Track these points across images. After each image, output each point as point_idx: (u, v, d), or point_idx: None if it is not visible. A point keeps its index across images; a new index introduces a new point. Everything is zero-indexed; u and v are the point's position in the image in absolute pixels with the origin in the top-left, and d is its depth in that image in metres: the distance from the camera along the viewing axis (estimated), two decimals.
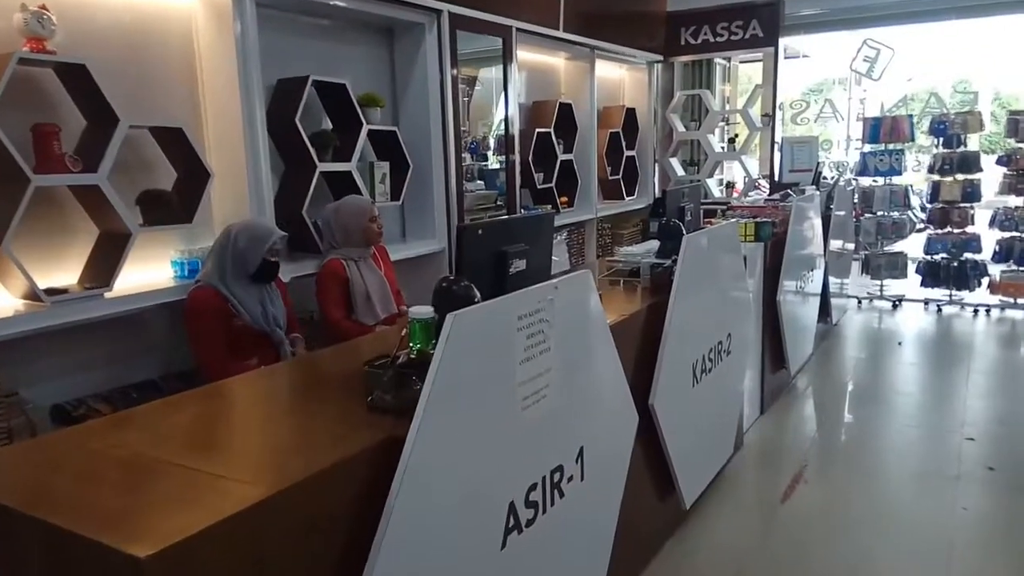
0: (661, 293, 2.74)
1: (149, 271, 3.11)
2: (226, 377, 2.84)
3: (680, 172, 7.67)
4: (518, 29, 4.90)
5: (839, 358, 5.36)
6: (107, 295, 2.74)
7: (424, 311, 1.63)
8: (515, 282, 1.90)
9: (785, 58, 8.05)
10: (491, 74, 5.88)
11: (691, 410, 2.86)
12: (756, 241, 3.98)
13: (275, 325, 2.98)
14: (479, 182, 6.64)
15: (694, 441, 2.92)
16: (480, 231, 1.81)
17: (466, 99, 6.86)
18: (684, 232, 2.88)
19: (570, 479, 1.93)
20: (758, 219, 4.20)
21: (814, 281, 4.93)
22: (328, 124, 3.84)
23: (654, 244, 3.33)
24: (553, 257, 5.86)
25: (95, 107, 2.71)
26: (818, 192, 5.25)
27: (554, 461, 1.85)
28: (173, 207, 3.00)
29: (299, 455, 1.43)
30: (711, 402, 3.07)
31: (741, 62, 9.35)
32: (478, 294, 1.70)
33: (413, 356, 1.59)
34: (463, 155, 6.91)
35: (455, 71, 4.33)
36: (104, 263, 2.79)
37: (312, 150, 3.49)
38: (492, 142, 6.23)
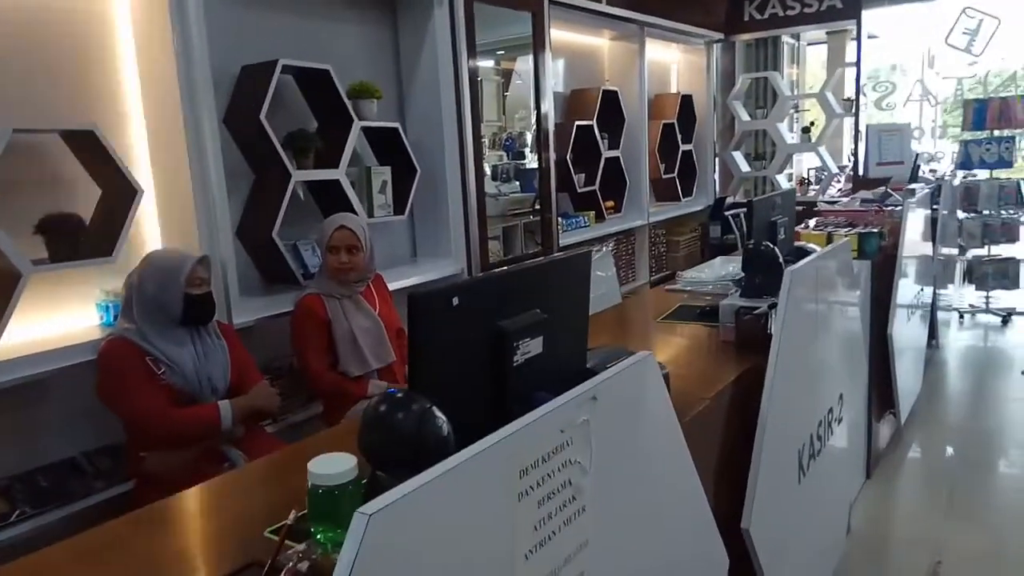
0: (752, 352, 1.89)
1: (72, 317, 2.39)
2: (172, 427, 2.07)
3: (745, 167, 6.72)
4: (552, 2, 4.06)
5: (952, 394, 4.38)
6: None
7: (333, 467, 0.83)
8: (525, 378, 1.09)
9: (852, 39, 7.00)
10: (529, 64, 5.11)
11: (796, 512, 2.00)
12: (859, 258, 3.08)
13: (208, 387, 2.17)
14: (515, 183, 5.86)
15: (800, 553, 2.06)
16: (455, 299, 1.00)
17: (506, 94, 6.10)
18: (781, 262, 2.02)
19: None
20: (859, 228, 3.29)
21: (925, 301, 3.98)
22: (315, 123, 3.07)
23: (723, 264, 2.48)
24: (597, 272, 4.94)
25: None
26: (926, 190, 4.29)
27: None
28: (87, 236, 2.27)
29: None
30: (820, 494, 2.20)
31: (808, 44, 8.35)
32: (447, 428, 0.90)
33: (303, 571, 0.79)
34: (499, 153, 6.17)
35: (472, 59, 3.51)
36: None
37: (284, 155, 2.73)
38: (529, 138, 5.44)
